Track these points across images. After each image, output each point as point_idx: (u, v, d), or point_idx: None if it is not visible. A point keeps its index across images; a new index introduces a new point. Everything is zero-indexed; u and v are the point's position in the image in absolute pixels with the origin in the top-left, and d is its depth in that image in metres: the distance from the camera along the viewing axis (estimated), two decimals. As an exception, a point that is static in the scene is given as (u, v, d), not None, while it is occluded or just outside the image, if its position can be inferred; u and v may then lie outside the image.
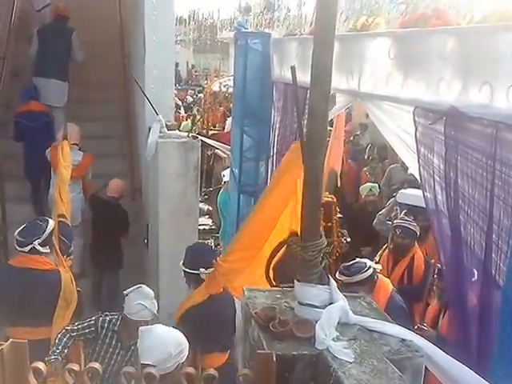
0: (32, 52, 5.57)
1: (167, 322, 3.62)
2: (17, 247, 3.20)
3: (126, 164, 5.79)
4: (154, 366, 1.95)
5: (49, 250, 3.25)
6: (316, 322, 1.86)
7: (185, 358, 2.14)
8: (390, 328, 1.95)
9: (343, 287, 3.32)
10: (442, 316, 3.39)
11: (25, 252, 3.16)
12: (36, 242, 3.16)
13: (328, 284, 1.94)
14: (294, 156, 2.12)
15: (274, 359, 1.65)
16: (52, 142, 4.78)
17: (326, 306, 1.91)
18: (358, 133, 9.11)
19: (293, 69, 1.95)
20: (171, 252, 4.10)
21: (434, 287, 3.59)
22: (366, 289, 3.21)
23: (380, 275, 3.63)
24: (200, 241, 3.33)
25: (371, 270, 3.36)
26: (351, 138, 8.78)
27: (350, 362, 1.74)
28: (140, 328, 2.19)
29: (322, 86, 1.69)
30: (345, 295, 1.98)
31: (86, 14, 6.17)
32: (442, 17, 2.57)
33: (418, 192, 4.61)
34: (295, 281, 1.96)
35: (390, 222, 4.97)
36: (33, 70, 5.55)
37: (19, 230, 3.23)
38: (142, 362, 2.01)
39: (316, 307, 1.91)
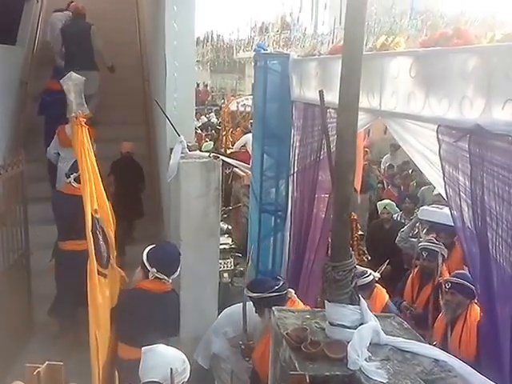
0: (57, 47, 6.16)
1: (192, 344, 3.64)
2: (65, 179, 4.34)
3: (148, 184, 5.89)
4: None
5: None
6: (348, 342, 1.86)
7: (188, 376, 2.14)
8: (423, 348, 1.94)
9: None
10: (450, 333, 3.34)
11: (71, 184, 4.19)
12: (72, 177, 4.20)
13: (358, 304, 1.95)
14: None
15: (308, 380, 1.66)
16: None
17: (357, 327, 1.92)
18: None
19: (321, 93, 1.99)
20: (193, 272, 4.12)
21: (445, 303, 3.46)
22: (363, 295, 3.16)
23: (377, 285, 3.70)
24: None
25: (371, 277, 3.48)
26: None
27: (384, 383, 1.73)
28: (143, 349, 2.15)
29: (349, 112, 1.72)
30: (375, 315, 1.98)
31: (106, 39, 6.38)
32: (462, 36, 2.58)
33: (439, 209, 4.61)
34: (325, 301, 1.97)
35: (413, 239, 4.94)
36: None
37: (69, 166, 4.29)
38: (146, 380, 2.02)
39: (347, 327, 1.92)
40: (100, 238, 3.26)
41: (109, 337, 3.27)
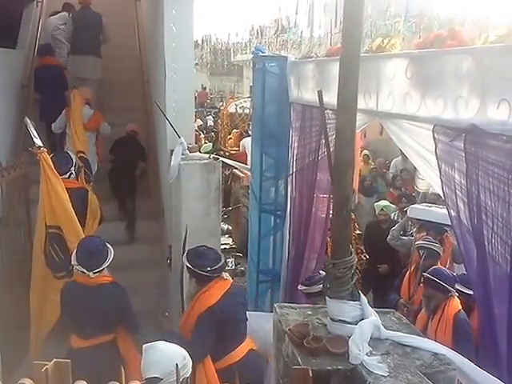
0: (67, 34, 6.33)
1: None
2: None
3: (149, 186, 5.93)
4: (161, 379, 2.00)
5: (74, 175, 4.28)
6: (349, 337, 1.91)
7: (189, 372, 2.16)
8: (422, 342, 1.99)
9: (305, 297, 3.55)
10: (429, 324, 3.42)
11: (65, 176, 4.07)
12: (72, 169, 4.22)
13: (359, 300, 2.00)
14: None
15: (311, 375, 1.71)
16: (64, 90, 5.76)
17: (358, 322, 1.97)
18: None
19: (319, 93, 2.04)
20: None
21: (422, 296, 3.55)
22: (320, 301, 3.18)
23: None
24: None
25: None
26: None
27: (385, 376, 1.78)
28: (144, 346, 2.17)
29: (348, 111, 1.77)
30: (376, 311, 2.04)
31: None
32: (457, 37, 2.64)
33: (428, 207, 4.67)
34: (327, 298, 2.02)
35: (404, 237, 5.01)
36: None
37: (57, 157, 4.15)
38: (147, 376, 2.05)
39: (348, 323, 1.97)
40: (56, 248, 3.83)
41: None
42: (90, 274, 3.24)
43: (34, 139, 4.10)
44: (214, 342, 2.96)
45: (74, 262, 3.30)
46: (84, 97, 5.44)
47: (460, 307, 3.41)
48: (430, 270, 3.56)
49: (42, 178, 3.79)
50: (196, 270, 3.01)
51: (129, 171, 5.62)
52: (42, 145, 3.86)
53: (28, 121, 4.04)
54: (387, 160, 8.96)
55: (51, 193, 3.77)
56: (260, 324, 3.24)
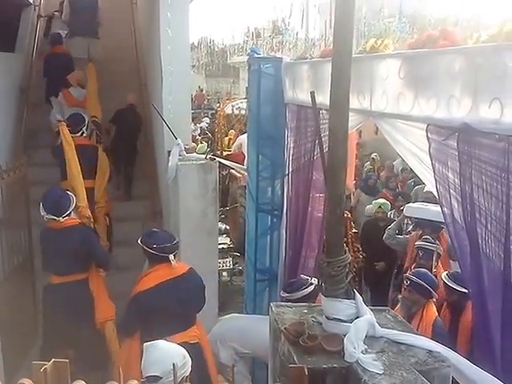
0: (65, 16, 6.61)
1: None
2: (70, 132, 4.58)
3: (147, 187, 5.96)
4: (161, 378, 2.03)
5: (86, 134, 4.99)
6: (344, 335, 1.93)
7: (188, 371, 2.18)
8: (417, 340, 2.01)
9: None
10: None
11: (75, 135, 4.70)
12: (84, 128, 4.95)
13: (354, 298, 2.01)
14: None
15: (306, 373, 1.73)
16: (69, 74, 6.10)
17: (353, 320, 1.99)
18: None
19: (312, 94, 2.06)
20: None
21: (403, 299, 3.51)
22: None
23: None
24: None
25: (312, 287, 3.32)
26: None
27: (380, 374, 1.80)
28: (144, 344, 2.21)
29: (340, 110, 1.79)
30: (370, 309, 2.06)
31: (103, 44, 6.45)
32: (449, 37, 2.65)
33: (424, 205, 4.70)
34: (322, 296, 2.04)
35: (399, 236, 5.03)
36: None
37: (71, 118, 4.98)
38: (147, 374, 2.08)
39: (343, 321, 1.99)
40: None
41: None
42: (60, 218, 3.73)
43: (56, 115, 5.34)
44: (140, 325, 3.14)
45: (42, 213, 3.74)
46: (77, 78, 5.89)
47: (436, 313, 3.41)
48: (415, 273, 3.49)
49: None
50: (144, 248, 3.16)
51: (130, 140, 5.95)
52: (61, 119, 4.95)
53: (54, 99, 5.37)
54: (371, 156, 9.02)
55: (67, 162, 4.36)
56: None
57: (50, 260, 3.83)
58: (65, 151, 4.33)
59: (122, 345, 3.26)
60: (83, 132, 4.94)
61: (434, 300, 3.45)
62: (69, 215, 3.77)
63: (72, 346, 3.42)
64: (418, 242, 4.34)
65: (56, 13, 6.94)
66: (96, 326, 3.80)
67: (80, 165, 4.40)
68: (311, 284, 3.32)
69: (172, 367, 1.99)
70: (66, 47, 6.50)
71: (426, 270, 3.65)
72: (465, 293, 3.36)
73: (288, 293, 3.40)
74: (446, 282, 3.53)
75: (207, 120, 14.69)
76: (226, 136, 10.25)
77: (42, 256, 3.91)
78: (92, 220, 4.23)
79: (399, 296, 4.11)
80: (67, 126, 4.52)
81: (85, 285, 3.80)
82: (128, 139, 5.93)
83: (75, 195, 4.03)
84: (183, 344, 3.01)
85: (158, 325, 3.08)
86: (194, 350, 3.08)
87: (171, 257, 3.16)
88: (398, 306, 3.55)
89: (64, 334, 3.54)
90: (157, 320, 3.10)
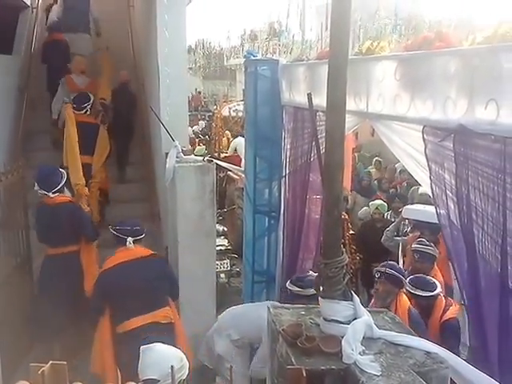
0: (58, 13, 6.71)
1: (191, 343, 3.70)
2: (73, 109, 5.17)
3: (145, 189, 5.96)
4: (158, 381, 2.02)
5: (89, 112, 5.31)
6: (342, 337, 1.94)
7: (185, 374, 2.18)
8: (414, 341, 2.01)
9: (294, 297, 3.44)
10: None
11: (79, 112, 5.19)
12: (88, 107, 5.26)
13: (351, 300, 2.02)
14: None
15: (304, 374, 1.73)
16: (67, 63, 6.23)
17: (351, 322, 1.99)
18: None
19: (309, 95, 2.06)
20: (191, 273, 4.19)
21: (376, 293, 3.56)
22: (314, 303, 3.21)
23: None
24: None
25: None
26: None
27: (378, 375, 1.80)
28: (141, 348, 2.23)
29: (337, 112, 1.80)
30: (368, 310, 2.06)
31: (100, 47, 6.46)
32: (445, 39, 2.67)
33: (422, 207, 4.71)
34: (319, 298, 2.04)
35: (397, 238, 5.04)
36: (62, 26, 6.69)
37: (77, 97, 5.38)
38: (145, 377, 2.08)
39: (341, 323, 1.99)
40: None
41: None
42: (50, 194, 4.04)
43: (64, 98, 5.59)
44: (106, 304, 3.44)
45: (36, 188, 4.08)
46: (80, 66, 6.06)
47: (408, 302, 3.51)
48: (385, 264, 3.58)
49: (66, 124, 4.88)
50: (110, 230, 3.61)
51: (127, 116, 6.14)
52: (68, 101, 5.33)
53: (62, 80, 5.68)
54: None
55: (67, 138, 4.77)
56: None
57: (43, 233, 4.19)
58: (66, 130, 4.76)
59: (97, 330, 3.52)
60: (87, 110, 5.24)
61: (404, 291, 3.55)
62: (60, 191, 4.09)
63: (63, 311, 3.76)
64: (414, 245, 4.35)
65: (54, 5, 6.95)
66: (85, 294, 4.01)
67: (81, 141, 4.80)
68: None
69: (169, 370, 2.00)
70: (63, 35, 6.62)
71: (394, 262, 3.73)
72: (423, 296, 3.50)
73: (300, 288, 3.39)
74: (410, 290, 3.59)
75: (203, 124, 14.72)
76: (224, 137, 10.27)
77: (37, 229, 4.26)
78: (88, 198, 4.65)
79: (372, 291, 4.11)
80: (73, 104, 5.08)
81: (76, 256, 4.13)
82: (125, 115, 6.14)
83: (72, 173, 4.41)
84: (154, 324, 3.39)
85: (122, 304, 3.40)
86: (167, 328, 3.43)
87: (129, 239, 3.50)
88: (372, 301, 3.62)
89: (56, 300, 3.82)
90: (119, 299, 3.40)
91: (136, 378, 2.08)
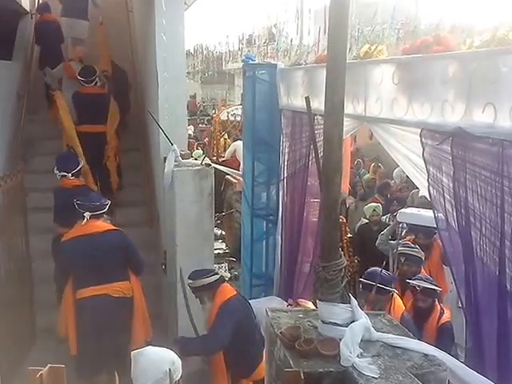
0: None
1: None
2: (82, 82, 5.46)
3: (144, 193, 5.96)
4: None
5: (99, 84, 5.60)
6: (340, 339, 1.93)
7: (180, 375, 2.17)
8: (413, 344, 2.01)
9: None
10: None
11: (88, 85, 5.46)
12: (96, 79, 5.51)
13: (349, 302, 2.01)
14: None
15: (302, 377, 1.72)
16: (60, 43, 6.53)
17: (349, 324, 1.99)
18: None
19: (307, 99, 2.07)
20: (189, 277, 4.17)
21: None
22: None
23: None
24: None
25: (216, 277, 3.44)
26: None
27: (376, 378, 1.80)
28: (132, 353, 2.20)
29: (335, 116, 1.80)
30: (366, 313, 2.05)
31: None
32: (442, 43, 2.68)
33: (417, 211, 4.72)
34: (317, 300, 2.04)
35: (392, 241, 5.04)
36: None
37: (84, 70, 5.57)
38: None
39: (339, 325, 1.98)
40: None
41: None
42: (69, 175, 4.44)
43: (52, 84, 5.88)
44: (67, 272, 3.79)
45: (55, 171, 4.48)
46: (78, 55, 6.26)
47: (403, 306, 3.54)
48: (366, 273, 3.66)
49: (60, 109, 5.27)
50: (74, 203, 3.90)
51: (123, 98, 6.24)
52: (56, 87, 5.69)
53: (49, 70, 5.93)
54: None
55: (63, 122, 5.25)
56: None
57: (58, 213, 4.57)
58: (61, 118, 5.18)
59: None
60: (96, 82, 5.50)
61: (397, 293, 3.59)
62: (77, 174, 4.52)
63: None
64: (400, 248, 4.36)
65: None
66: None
67: (94, 112, 5.32)
68: (215, 274, 3.45)
69: (161, 375, 2.03)
70: (54, 15, 6.74)
71: (375, 269, 3.75)
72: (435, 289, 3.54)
73: (191, 279, 3.45)
74: (416, 284, 3.65)
75: (191, 128, 14.77)
76: (221, 138, 10.29)
77: (54, 209, 4.64)
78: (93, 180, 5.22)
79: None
80: (80, 76, 5.37)
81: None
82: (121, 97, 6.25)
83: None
84: (105, 296, 3.60)
85: (79, 273, 3.69)
86: (120, 302, 3.63)
87: (86, 214, 3.73)
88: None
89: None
90: (76, 269, 3.71)
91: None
